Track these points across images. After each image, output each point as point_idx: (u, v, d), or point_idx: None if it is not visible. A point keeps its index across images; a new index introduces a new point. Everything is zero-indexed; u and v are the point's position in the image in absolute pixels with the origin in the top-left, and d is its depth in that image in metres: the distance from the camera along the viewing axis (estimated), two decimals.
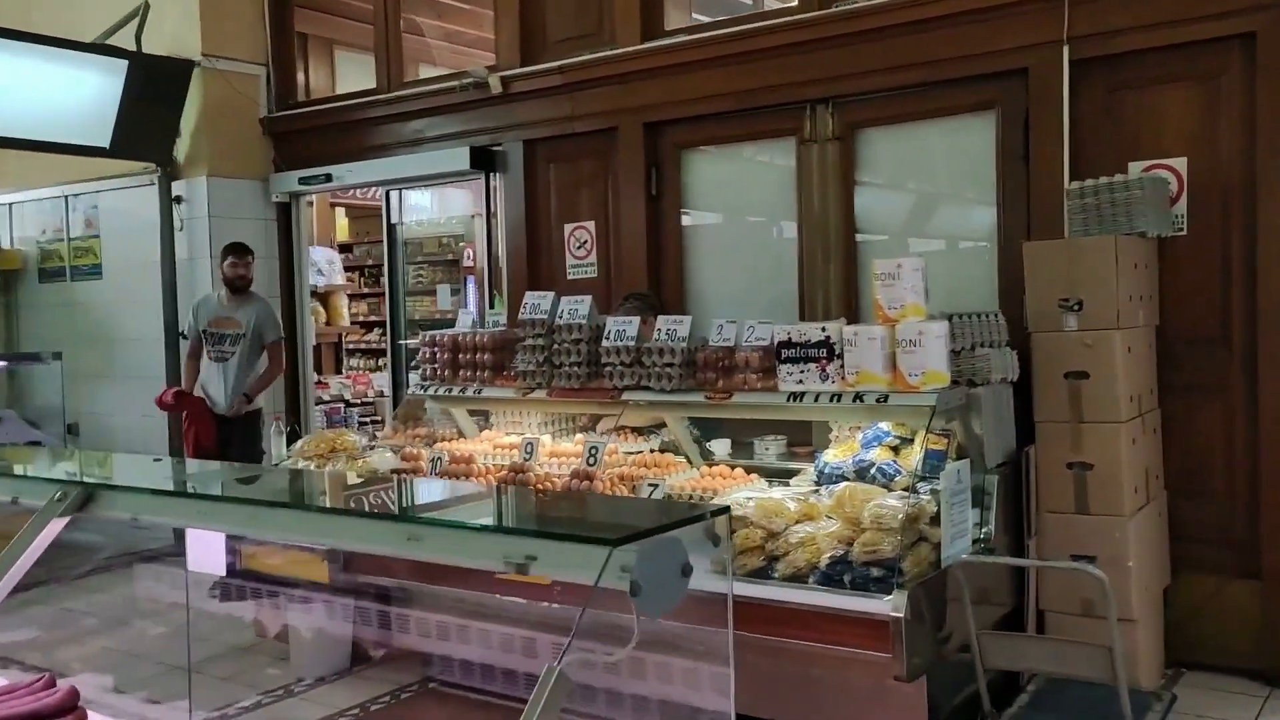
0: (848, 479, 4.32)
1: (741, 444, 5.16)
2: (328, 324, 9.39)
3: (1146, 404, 4.67)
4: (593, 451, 4.63)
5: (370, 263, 10.21)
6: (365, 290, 10.32)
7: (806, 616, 3.74)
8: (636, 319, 4.71)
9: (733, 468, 4.81)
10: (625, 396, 4.62)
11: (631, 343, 4.64)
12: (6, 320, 9.07)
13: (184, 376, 7.13)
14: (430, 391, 5.27)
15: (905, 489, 3.97)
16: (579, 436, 5.26)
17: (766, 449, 5.02)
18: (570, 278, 6.66)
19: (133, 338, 8.08)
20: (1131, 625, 4.36)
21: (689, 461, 5.00)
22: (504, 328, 5.20)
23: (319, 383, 9.13)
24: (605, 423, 5.13)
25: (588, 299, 4.86)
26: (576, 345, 4.79)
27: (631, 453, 5.09)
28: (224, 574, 5.55)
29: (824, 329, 4.18)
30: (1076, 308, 4.44)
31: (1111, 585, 3.57)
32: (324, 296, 9.50)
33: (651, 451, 5.10)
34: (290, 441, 5.47)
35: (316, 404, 8.44)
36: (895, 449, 4.36)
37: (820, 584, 3.80)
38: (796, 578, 3.86)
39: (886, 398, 4.01)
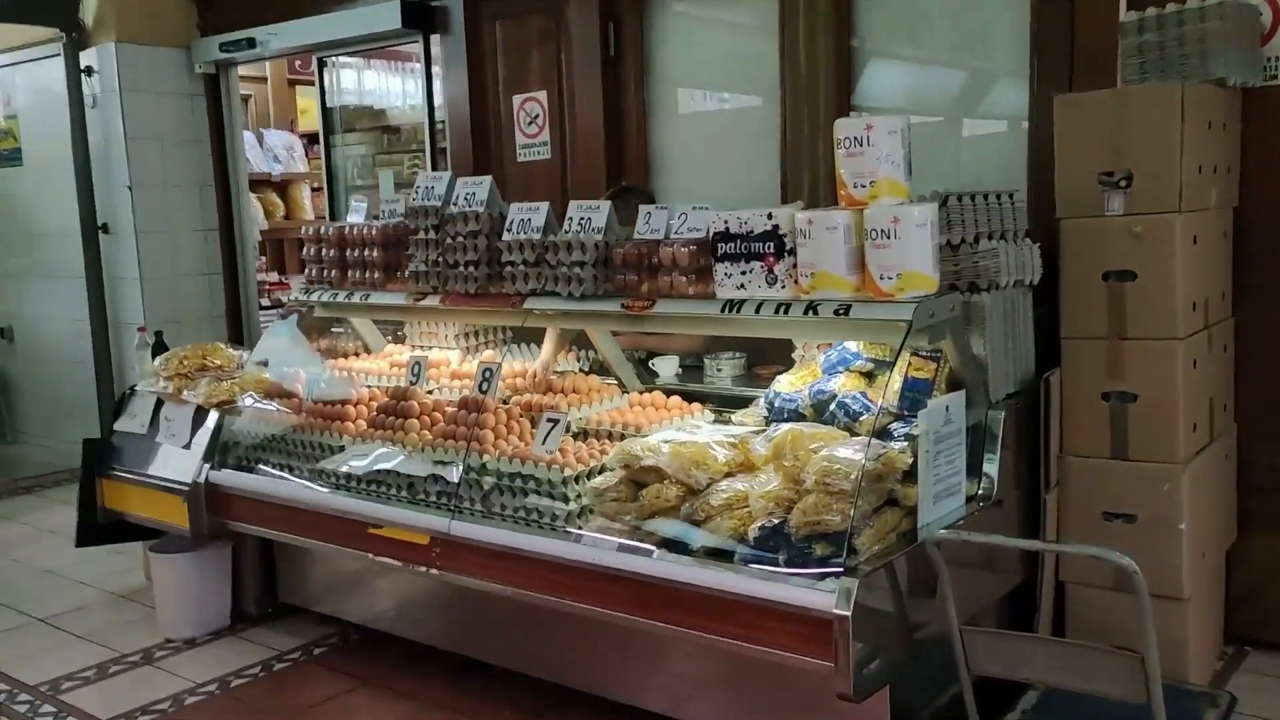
0: (804, 415, 3.28)
1: (692, 366, 4.13)
2: (287, 218, 8.42)
3: (1215, 313, 3.53)
4: (485, 376, 3.64)
5: None
6: None
7: (729, 606, 2.77)
8: (545, 205, 3.66)
9: (669, 395, 3.80)
10: (529, 305, 3.60)
11: (536, 236, 3.59)
12: None
13: None
14: (314, 297, 4.30)
15: (872, 433, 2.93)
16: (487, 354, 4.27)
17: (719, 370, 3.98)
18: (521, 159, 5.59)
19: (56, 231, 7.21)
20: (1180, 605, 3.32)
21: (621, 386, 3.99)
22: (402, 218, 4.18)
23: (280, 283, 8.24)
24: (550, 338, 4.14)
25: (486, 180, 3.81)
26: (473, 240, 3.75)
27: (561, 373, 4.10)
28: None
29: (771, 216, 3.10)
30: (1124, 184, 3.28)
31: (1155, 557, 2.53)
32: (282, 187, 8.52)
33: (581, 372, 4.10)
34: (157, 354, 4.56)
35: (275, 306, 7.53)
36: (869, 375, 3.31)
37: (749, 562, 2.81)
38: (719, 553, 2.88)
39: (849, 309, 2.93)
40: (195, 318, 6.99)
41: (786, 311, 3.04)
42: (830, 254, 2.98)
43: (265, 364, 4.35)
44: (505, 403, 3.80)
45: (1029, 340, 3.38)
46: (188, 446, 4.19)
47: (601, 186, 5.04)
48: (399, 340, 4.70)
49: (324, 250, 4.29)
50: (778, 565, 2.76)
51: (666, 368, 4.11)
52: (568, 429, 3.53)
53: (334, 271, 4.26)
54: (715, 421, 3.66)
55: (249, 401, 4.21)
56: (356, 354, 4.69)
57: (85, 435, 4.65)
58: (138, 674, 3.93)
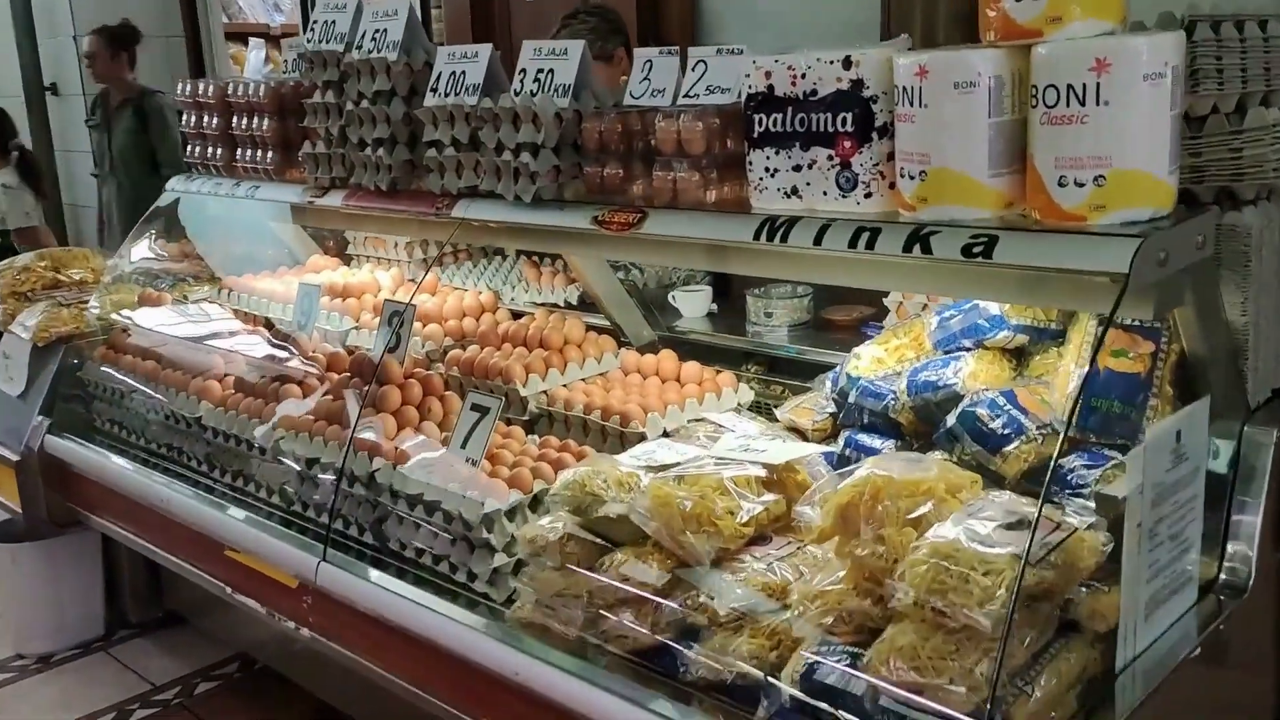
0: (897, 423, 1.89)
1: (732, 298, 2.74)
2: None
3: None
4: (392, 322, 2.31)
5: None
6: None
7: None
8: (486, 49, 2.25)
9: (686, 354, 2.44)
10: (459, 211, 2.24)
11: (472, 101, 2.21)
12: None
13: None
14: (192, 186, 3.00)
15: (1043, 496, 1.52)
16: (429, 280, 2.94)
17: (768, 314, 2.58)
18: None
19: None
20: None
21: (616, 335, 2.63)
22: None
23: None
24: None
25: (404, 6, 2.40)
26: (382, 106, 2.39)
27: (538, 306, 2.77)
28: None
29: (850, 62, 1.66)
30: None
31: None
32: (280, 40, 7.18)
33: (563, 307, 2.76)
34: None
35: None
36: (1017, 355, 1.88)
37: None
38: (732, 692, 1.56)
39: (993, 243, 1.51)
40: None
41: (872, 244, 1.62)
42: (961, 136, 1.55)
43: (128, 280, 3.10)
44: (429, 365, 2.48)
45: None
46: (24, 397, 3.00)
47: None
48: (337, 250, 3.39)
49: (205, 119, 2.97)
50: None
51: (693, 305, 2.73)
52: (515, 419, 2.21)
53: (219, 150, 2.95)
54: (753, 410, 2.29)
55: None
56: (280, 266, 3.40)
57: None
58: None
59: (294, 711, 2.74)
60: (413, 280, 3.03)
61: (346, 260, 3.35)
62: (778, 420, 2.10)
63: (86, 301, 3.07)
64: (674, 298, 2.74)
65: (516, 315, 2.77)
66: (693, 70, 1.99)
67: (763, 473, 1.69)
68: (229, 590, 2.41)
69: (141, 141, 4.77)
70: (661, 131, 1.92)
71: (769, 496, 1.68)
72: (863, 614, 1.47)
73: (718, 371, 2.37)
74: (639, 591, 1.65)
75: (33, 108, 5.70)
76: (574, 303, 2.75)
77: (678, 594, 1.64)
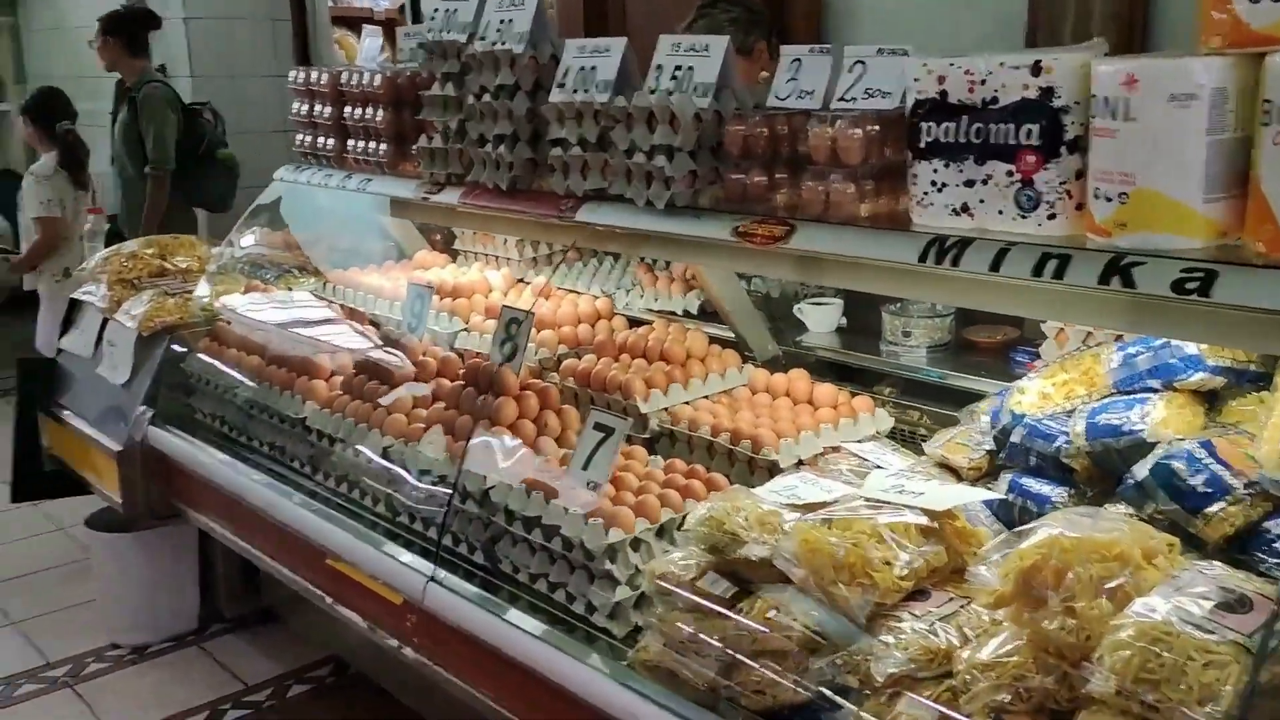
0: (1068, 468, 1.71)
1: (863, 313, 2.57)
2: None
3: None
4: (509, 332, 2.19)
5: None
6: None
7: None
8: (620, 43, 2.11)
9: (819, 374, 2.28)
10: (584, 215, 2.11)
11: (602, 98, 2.08)
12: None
13: None
14: (300, 176, 2.92)
15: (1226, 545, 1.34)
16: (538, 280, 2.82)
17: (907, 334, 2.40)
18: None
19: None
20: None
21: (742, 350, 2.48)
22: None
23: None
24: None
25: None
26: (504, 101, 2.27)
27: (655, 314, 2.65)
28: None
29: (1039, 68, 1.49)
30: None
31: None
32: (389, 27, 7.14)
33: (685, 318, 2.62)
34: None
35: None
36: (1210, 399, 1.68)
37: None
38: None
39: (1209, 279, 1.32)
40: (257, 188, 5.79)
41: (1061, 273, 1.45)
42: (1174, 155, 1.37)
43: (234, 270, 3.05)
44: (541, 374, 2.36)
45: None
46: (128, 386, 2.96)
47: None
48: (444, 246, 3.30)
49: (317, 107, 2.89)
50: None
51: (822, 319, 2.56)
52: (635, 436, 2.08)
53: (330, 140, 2.87)
54: (893, 439, 2.12)
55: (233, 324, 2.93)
56: (387, 260, 3.33)
57: None
58: (44, 705, 2.82)
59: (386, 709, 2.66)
60: (523, 281, 2.92)
61: (453, 256, 3.26)
62: (924, 454, 1.94)
63: (191, 291, 3.01)
64: (801, 310, 2.58)
65: (633, 323, 2.65)
66: (849, 71, 1.83)
67: (923, 520, 1.53)
68: (329, 601, 2.32)
69: (132, 133, 4.49)
70: (814, 137, 1.76)
71: (929, 547, 1.52)
72: (1044, 693, 1.31)
73: (853, 394, 2.21)
74: (783, 644, 1.51)
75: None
76: (693, 312, 2.61)
77: (825, 649, 1.49)
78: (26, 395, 3.32)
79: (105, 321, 3.11)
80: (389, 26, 7.13)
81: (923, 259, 1.59)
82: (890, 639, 1.43)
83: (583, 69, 2.14)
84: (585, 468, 1.90)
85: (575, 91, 2.14)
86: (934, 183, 1.63)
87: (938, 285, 1.70)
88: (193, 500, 2.82)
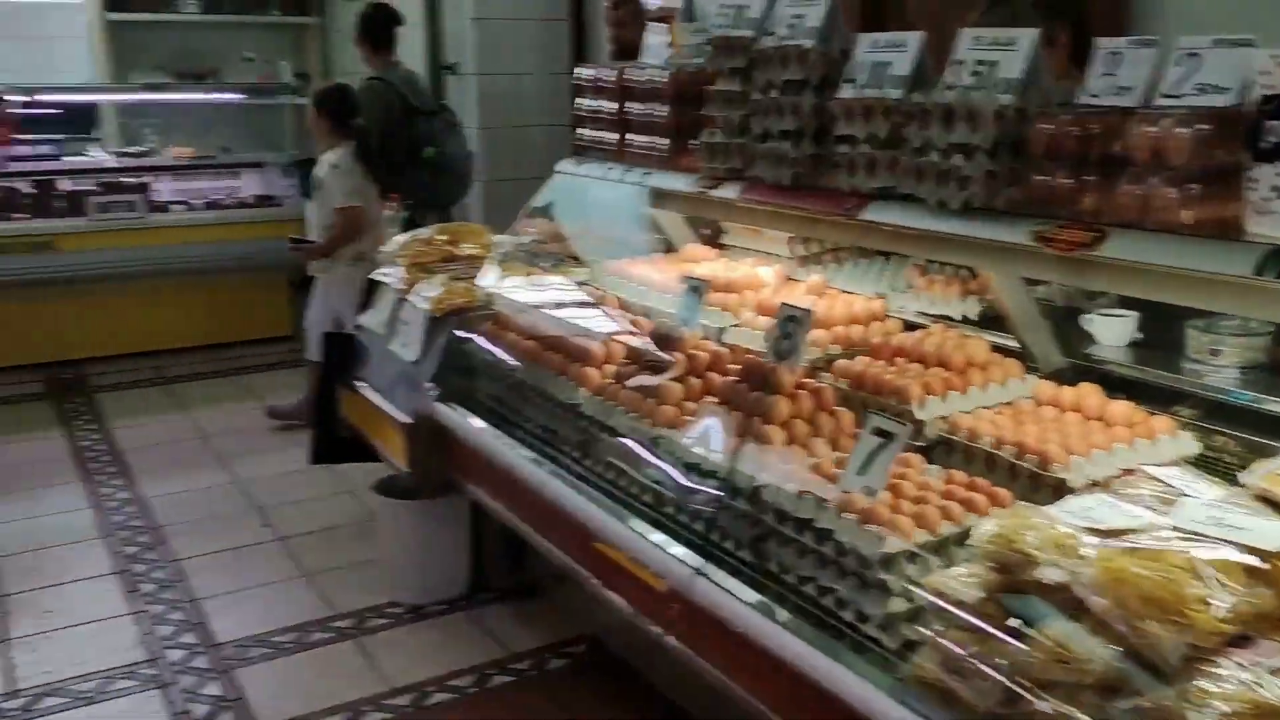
0: None
1: (1162, 327, 2.37)
2: None
3: None
4: (786, 331, 2.17)
5: None
6: None
7: None
8: (917, 37, 2.05)
9: (1111, 390, 2.13)
10: (869, 214, 2.07)
11: (895, 94, 2.02)
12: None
13: None
14: (580, 170, 3.02)
15: None
16: (814, 279, 2.78)
17: (1214, 352, 2.20)
18: None
19: None
20: None
21: (1025, 360, 2.36)
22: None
23: None
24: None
25: None
26: (791, 96, 2.25)
27: (930, 317, 2.57)
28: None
29: None
30: None
31: None
32: (662, 19, 7.28)
33: (958, 321, 2.52)
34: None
35: None
36: None
37: None
38: None
39: None
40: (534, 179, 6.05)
41: None
42: None
43: (515, 258, 3.19)
44: (813, 373, 2.33)
45: None
46: (418, 363, 3.17)
47: None
48: (712, 239, 3.33)
49: (601, 102, 2.98)
50: None
51: (1114, 332, 2.39)
52: (909, 443, 2.01)
53: (611, 135, 2.95)
54: (1199, 465, 1.95)
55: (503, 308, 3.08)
56: (655, 252, 3.40)
57: None
58: (331, 653, 3.06)
59: (642, 704, 2.72)
60: (794, 279, 2.90)
61: (721, 250, 3.28)
62: (1240, 484, 1.77)
63: (476, 276, 3.19)
64: (1090, 321, 2.42)
65: (908, 326, 2.57)
66: (1176, 65, 1.69)
67: (1251, 560, 1.39)
68: (594, 582, 2.40)
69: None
70: (1136, 137, 1.64)
71: (1257, 590, 1.38)
72: None
73: (1150, 414, 2.05)
74: (1077, 678, 1.42)
75: (434, 85, 6.11)
76: (972, 317, 2.50)
77: (1126, 690, 1.38)
78: (329, 367, 3.63)
79: (399, 301, 3.35)
80: (662, 21, 7.26)
81: (1259, 272, 1.45)
82: (1210, 686, 1.31)
83: (876, 64, 2.10)
84: (861, 473, 1.86)
85: (866, 87, 2.09)
86: (1277, 188, 1.48)
87: (1275, 301, 1.54)
88: (469, 474, 2.99)
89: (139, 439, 4.73)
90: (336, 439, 3.64)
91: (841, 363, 2.34)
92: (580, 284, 3.18)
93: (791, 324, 2.18)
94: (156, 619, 3.22)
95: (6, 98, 5.48)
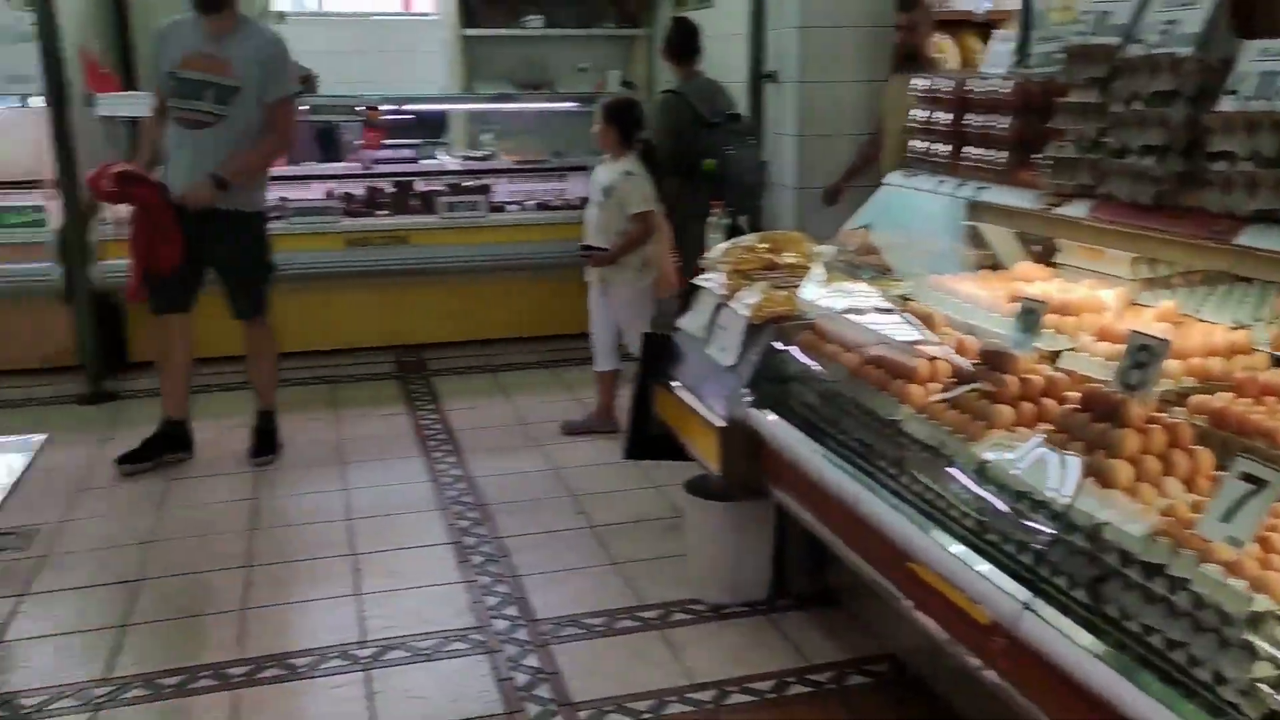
0: None
1: None
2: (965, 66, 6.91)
3: None
4: (1137, 360, 2.03)
5: None
6: None
7: None
8: None
9: None
10: (1243, 239, 1.89)
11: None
12: None
13: (141, 146, 4.57)
14: (909, 182, 2.96)
15: None
16: (1165, 305, 2.57)
17: None
18: None
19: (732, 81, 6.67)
20: None
21: None
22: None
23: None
24: None
25: None
26: (1157, 107, 2.10)
27: None
28: None
29: None
30: None
31: None
32: (986, 29, 6.98)
33: None
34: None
35: None
36: None
37: None
38: None
39: None
40: (854, 189, 5.99)
41: None
42: None
43: (835, 269, 3.18)
44: (1167, 408, 2.15)
45: None
46: (733, 369, 3.24)
47: None
48: (1044, 257, 3.16)
49: (936, 113, 2.91)
50: None
51: None
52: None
53: (945, 146, 2.88)
54: None
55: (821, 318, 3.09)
56: (984, 262, 3.28)
57: None
58: (637, 641, 3.19)
59: None
60: (1139, 303, 2.71)
61: (1054, 269, 3.11)
62: None
63: (797, 285, 3.21)
64: None
65: (1276, 362, 2.33)
66: None
67: None
68: (906, 604, 2.35)
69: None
70: None
71: None
72: None
73: None
74: None
75: (753, 93, 6.21)
76: None
77: None
78: (646, 366, 3.78)
79: (719, 307, 3.43)
80: (987, 29, 7.00)
81: None
82: None
83: (1264, 74, 1.91)
84: (1225, 520, 1.71)
85: (1252, 99, 1.91)
86: None
87: None
88: (778, 480, 3.01)
89: (469, 420, 5.14)
90: (649, 436, 3.79)
91: (1199, 398, 2.16)
92: (902, 298, 3.12)
93: (1144, 353, 2.03)
94: (484, 589, 3.48)
95: (380, 108, 6.12)
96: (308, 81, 6.17)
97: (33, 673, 3.02)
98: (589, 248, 4.78)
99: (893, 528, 2.40)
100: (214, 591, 3.50)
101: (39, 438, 3.31)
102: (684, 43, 5.44)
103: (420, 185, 6.27)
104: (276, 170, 6.57)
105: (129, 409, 5.22)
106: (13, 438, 3.19)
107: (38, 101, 5.31)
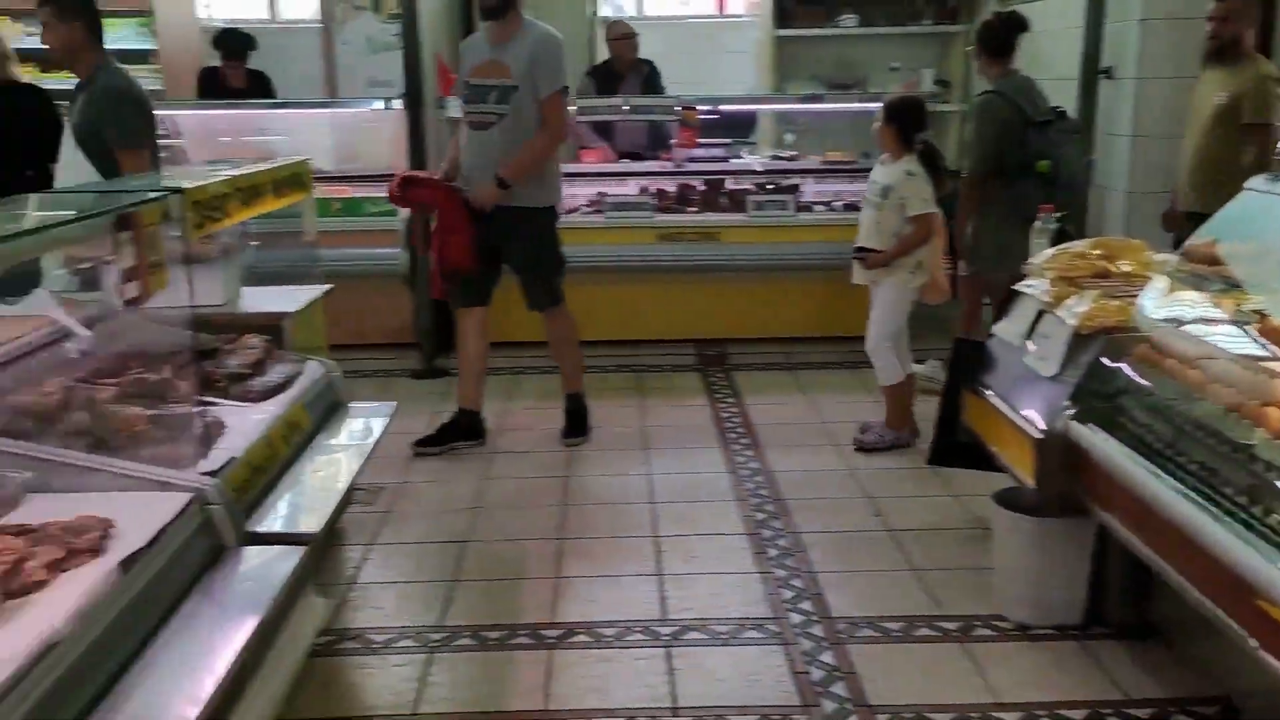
0: None
1: None
2: None
3: None
4: None
5: None
6: None
7: None
8: None
9: None
10: None
11: None
12: None
13: (448, 153, 4.88)
14: (1271, 187, 2.70)
15: None
16: None
17: None
18: None
19: (1061, 75, 6.33)
20: None
21: None
22: None
23: None
24: None
25: None
26: None
27: None
28: None
29: None
30: None
31: None
32: None
33: None
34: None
35: None
36: None
37: None
38: None
39: None
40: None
41: None
42: None
43: (1176, 279, 2.95)
44: None
45: None
46: (1055, 379, 3.10)
47: None
48: None
49: None
50: None
51: None
52: None
53: None
54: None
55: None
56: None
57: None
58: (936, 651, 3.13)
59: None
60: None
61: None
62: None
63: (1134, 296, 3.01)
64: None
65: None
66: None
67: None
68: (1252, 643, 2.16)
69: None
70: None
71: None
72: None
73: None
74: None
75: (1086, 90, 5.86)
76: None
77: None
78: (956, 372, 3.68)
79: (1041, 314, 3.28)
80: None
81: None
82: None
83: None
84: None
85: None
86: None
87: None
88: (1101, 499, 2.85)
89: (767, 415, 5.21)
90: (955, 444, 3.69)
91: None
92: (1257, 313, 2.86)
93: None
94: (780, 582, 3.53)
95: (698, 108, 6.31)
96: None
97: (380, 614, 3.39)
98: (863, 249, 4.70)
99: (1240, 561, 2.21)
100: (530, 558, 3.77)
101: (392, 405, 3.71)
102: (1007, 37, 5.22)
103: (730, 184, 6.41)
104: (595, 167, 6.96)
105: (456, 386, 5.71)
106: (373, 403, 3.59)
107: (398, 104, 5.91)
